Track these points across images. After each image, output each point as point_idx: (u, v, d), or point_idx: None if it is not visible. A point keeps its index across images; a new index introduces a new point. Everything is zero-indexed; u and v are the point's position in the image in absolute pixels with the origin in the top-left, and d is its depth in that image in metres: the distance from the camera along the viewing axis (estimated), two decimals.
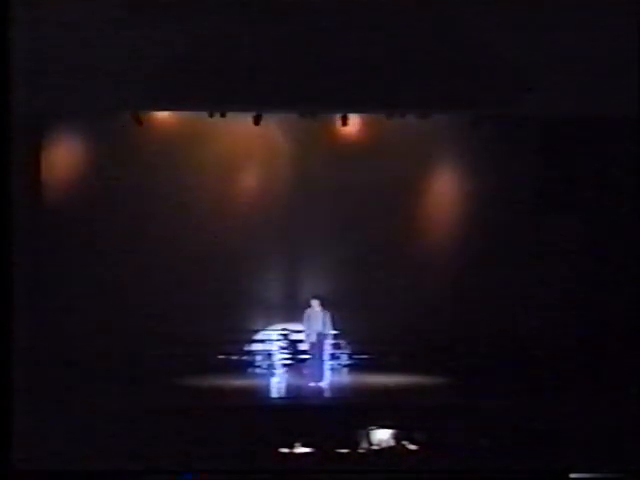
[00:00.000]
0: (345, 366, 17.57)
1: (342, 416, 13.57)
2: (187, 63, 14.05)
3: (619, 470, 9.68)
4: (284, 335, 17.69)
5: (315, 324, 16.43)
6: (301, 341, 17.11)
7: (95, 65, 13.97)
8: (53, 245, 16.89)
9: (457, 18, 14.20)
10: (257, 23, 14.05)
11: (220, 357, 17.72)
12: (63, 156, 17.69)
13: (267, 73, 14.10)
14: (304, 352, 16.87)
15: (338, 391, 15.80)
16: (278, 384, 16.39)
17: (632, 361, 14.85)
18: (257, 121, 17.29)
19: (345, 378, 17.06)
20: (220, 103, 15.22)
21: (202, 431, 11.96)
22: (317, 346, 16.38)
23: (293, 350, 17.55)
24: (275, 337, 17.76)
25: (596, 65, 14.31)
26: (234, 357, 17.89)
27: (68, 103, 14.71)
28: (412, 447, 11.56)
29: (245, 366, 17.71)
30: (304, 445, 11.27)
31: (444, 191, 18.85)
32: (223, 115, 16.82)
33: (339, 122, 17.85)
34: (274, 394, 15.73)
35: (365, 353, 17.68)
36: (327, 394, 15.71)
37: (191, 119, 17.46)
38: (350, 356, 17.63)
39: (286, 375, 17.03)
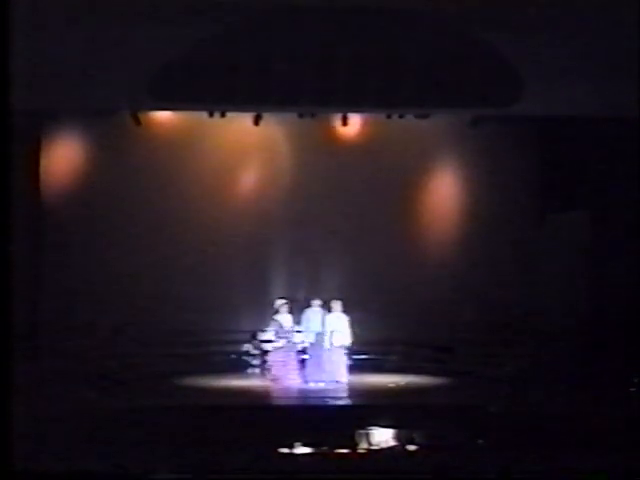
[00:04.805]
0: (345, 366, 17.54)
1: (342, 416, 13.57)
2: (187, 63, 14.04)
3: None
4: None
5: (314, 324, 16.42)
6: (300, 341, 17.07)
7: (95, 65, 13.98)
8: (53, 245, 16.90)
9: (457, 18, 14.20)
10: (257, 23, 14.04)
11: (220, 357, 17.72)
12: (63, 156, 17.70)
13: (267, 73, 14.09)
14: (303, 352, 16.82)
15: (338, 391, 15.78)
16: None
17: (633, 361, 14.88)
18: (257, 121, 17.30)
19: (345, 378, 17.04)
20: (220, 103, 15.22)
21: (202, 431, 11.95)
22: (316, 346, 16.37)
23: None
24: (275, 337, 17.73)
25: (596, 65, 14.31)
26: (233, 357, 17.89)
27: (68, 103, 14.71)
28: (412, 447, 11.55)
29: (244, 366, 17.71)
30: (304, 445, 11.26)
31: (444, 191, 18.87)
32: (223, 115, 16.83)
33: (339, 122, 17.87)
34: (273, 394, 15.71)
35: (365, 353, 17.66)
36: (327, 394, 15.69)
37: (191, 119, 17.47)
38: (350, 356, 17.61)
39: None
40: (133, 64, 13.98)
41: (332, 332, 16.22)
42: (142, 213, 17.61)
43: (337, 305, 16.32)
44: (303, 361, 16.46)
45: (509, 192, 18.08)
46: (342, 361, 16.26)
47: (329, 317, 16.30)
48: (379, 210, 18.07)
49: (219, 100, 14.70)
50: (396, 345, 17.96)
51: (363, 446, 11.67)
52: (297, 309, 16.75)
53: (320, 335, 16.35)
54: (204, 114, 16.82)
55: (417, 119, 17.09)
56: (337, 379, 16.12)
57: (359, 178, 18.08)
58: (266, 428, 12.14)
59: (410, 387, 16.03)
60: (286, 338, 16.22)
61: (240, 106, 15.50)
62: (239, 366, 17.64)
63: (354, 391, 15.74)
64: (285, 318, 16.31)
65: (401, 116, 16.89)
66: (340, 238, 18.12)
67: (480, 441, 11.57)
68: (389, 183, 18.12)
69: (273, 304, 16.59)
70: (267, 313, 16.88)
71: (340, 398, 15.41)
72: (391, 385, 16.09)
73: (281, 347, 16.22)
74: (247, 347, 17.79)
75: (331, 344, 16.22)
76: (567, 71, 14.43)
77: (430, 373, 16.93)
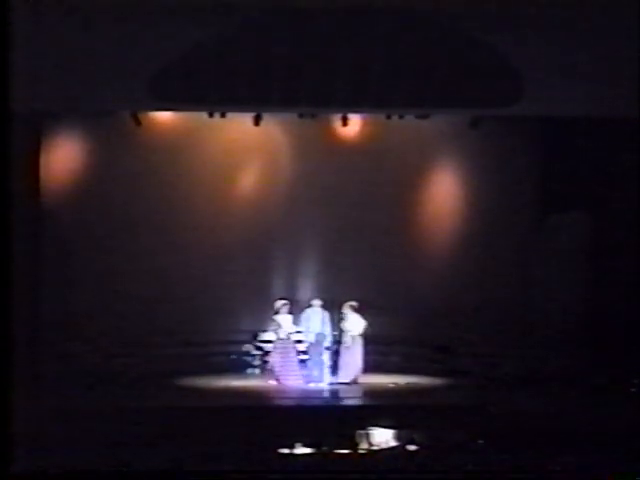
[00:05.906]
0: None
1: (342, 416, 13.56)
2: (187, 63, 14.03)
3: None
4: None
5: (314, 324, 16.42)
6: (300, 341, 17.06)
7: (95, 65, 13.97)
8: (53, 245, 16.88)
9: (457, 18, 14.20)
10: (257, 23, 14.04)
11: (220, 357, 17.71)
12: (63, 156, 17.67)
13: (267, 73, 14.09)
14: (304, 352, 16.82)
15: (338, 391, 15.78)
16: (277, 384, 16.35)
17: (633, 361, 14.88)
18: (257, 121, 17.29)
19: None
20: (220, 103, 15.21)
21: (202, 431, 11.95)
22: (316, 346, 16.37)
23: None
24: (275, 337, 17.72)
25: (596, 65, 14.31)
26: (234, 357, 17.89)
27: (68, 103, 14.70)
28: (412, 447, 11.54)
29: (244, 366, 17.72)
30: (304, 445, 11.25)
31: (444, 191, 18.86)
32: (223, 115, 16.83)
33: (339, 122, 17.86)
34: (273, 395, 15.71)
35: (365, 353, 17.64)
36: (327, 394, 15.70)
37: (191, 119, 17.46)
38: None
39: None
40: (133, 64, 13.97)
41: (344, 332, 16.27)
42: (142, 213, 17.59)
43: (348, 307, 16.32)
44: (303, 361, 16.47)
45: (509, 192, 18.07)
46: (353, 362, 16.27)
47: (345, 318, 16.30)
48: (379, 210, 18.04)
49: (219, 100, 14.69)
50: (396, 345, 17.94)
51: (363, 446, 11.66)
52: (297, 310, 16.77)
53: (320, 335, 16.36)
54: (204, 114, 16.81)
55: (417, 119, 17.08)
56: (348, 379, 16.16)
57: (359, 178, 18.06)
58: (266, 428, 12.14)
59: (410, 387, 16.03)
60: (286, 338, 16.23)
61: (240, 106, 15.50)
62: (239, 366, 17.65)
63: (354, 391, 15.75)
64: (285, 319, 16.31)
65: (401, 116, 16.87)
66: (340, 238, 18.11)
67: (480, 441, 11.56)
68: (389, 183, 18.09)
69: (273, 304, 16.57)
70: (267, 313, 16.88)
71: (340, 398, 15.43)
72: (391, 385, 16.09)
73: (282, 347, 16.22)
74: (247, 347, 17.81)
75: (340, 344, 16.29)
76: (567, 71, 14.41)
77: (430, 373, 16.93)
